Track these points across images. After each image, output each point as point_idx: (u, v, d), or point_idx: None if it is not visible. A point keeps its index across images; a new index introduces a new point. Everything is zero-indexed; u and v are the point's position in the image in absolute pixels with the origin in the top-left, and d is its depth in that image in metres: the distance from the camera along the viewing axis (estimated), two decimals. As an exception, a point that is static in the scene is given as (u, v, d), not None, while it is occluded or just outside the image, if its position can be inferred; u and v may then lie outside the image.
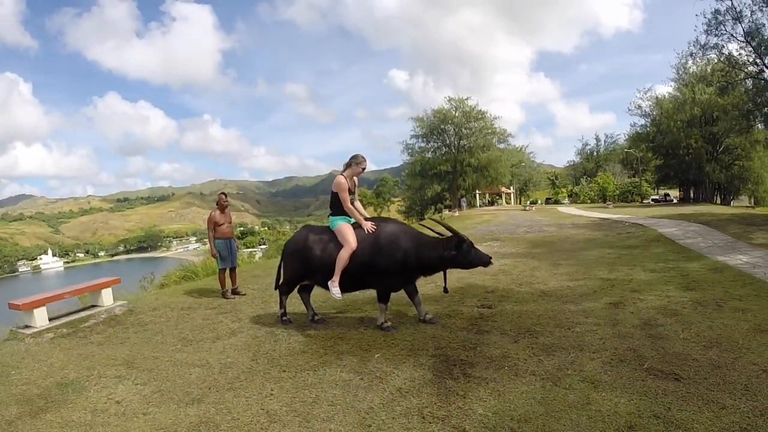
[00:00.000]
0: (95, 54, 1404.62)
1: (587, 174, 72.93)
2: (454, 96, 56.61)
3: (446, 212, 46.76)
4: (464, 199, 56.84)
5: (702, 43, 23.79)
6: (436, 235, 6.10)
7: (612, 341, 5.15)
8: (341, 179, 5.89)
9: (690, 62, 34.57)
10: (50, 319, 7.12)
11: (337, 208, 5.91)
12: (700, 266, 9.06)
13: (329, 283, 5.69)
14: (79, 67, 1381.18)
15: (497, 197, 63.35)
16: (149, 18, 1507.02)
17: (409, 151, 57.58)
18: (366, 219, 5.92)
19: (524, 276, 8.73)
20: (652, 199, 51.54)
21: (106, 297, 8.03)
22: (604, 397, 3.91)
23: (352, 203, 5.95)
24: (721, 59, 24.43)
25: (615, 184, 59.20)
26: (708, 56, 25.72)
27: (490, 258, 5.88)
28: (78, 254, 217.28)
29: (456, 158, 55.13)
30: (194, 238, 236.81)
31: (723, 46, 23.42)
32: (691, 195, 48.78)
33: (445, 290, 6.25)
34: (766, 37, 21.58)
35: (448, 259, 5.75)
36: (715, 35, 22.94)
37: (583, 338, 5.30)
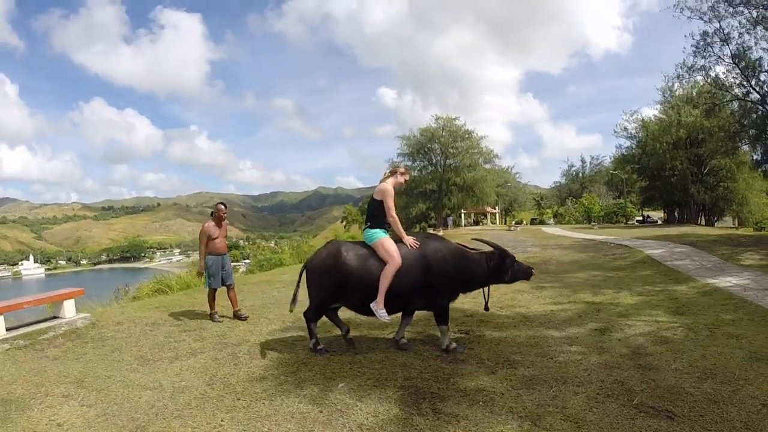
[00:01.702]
0: (82, 58, 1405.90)
1: (572, 195, 73.43)
2: (441, 115, 56.81)
3: (430, 231, 46.48)
4: (450, 218, 56.84)
5: (689, 65, 23.82)
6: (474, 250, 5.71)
7: (598, 373, 4.76)
8: (388, 186, 5.44)
9: (676, 85, 35.05)
10: (8, 329, 6.71)
11: (375, 220, 5.44)
12: (688, 289, 8.78)
13: (373, 305, 5.15)
14: (66, 70, 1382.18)
15: (482, 217, 63.44)
16: (138, 24, 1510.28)
17: (395, 169, 57.36)
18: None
19: (506, 299, 8.35)
20: (637, 221, 51.86)
21: (69, 309, 7.52)
22: None
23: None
24: (708, 81, 24.66)
25: (600, 205, 59.70)
26: (695, 78, 25.89)
27: (532, 269, 5.74)
28: (60, 261, 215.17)
29: (442, 177, 55.20)
30: (178, 250, 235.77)
31: (710, 68, 23.62)
32: (676, 216, 49.06)
33: (486, 308, 5.94)
34: (753, 60, 21.75)
35: (492, 275, 5.52)
36: (703, 57, 23.05)
37: (566, 369, 4.89)
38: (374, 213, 5.46)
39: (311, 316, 5.63)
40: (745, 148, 26.90)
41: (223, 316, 7.62)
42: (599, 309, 7.33)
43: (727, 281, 9.31)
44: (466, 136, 55.91)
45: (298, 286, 5.67)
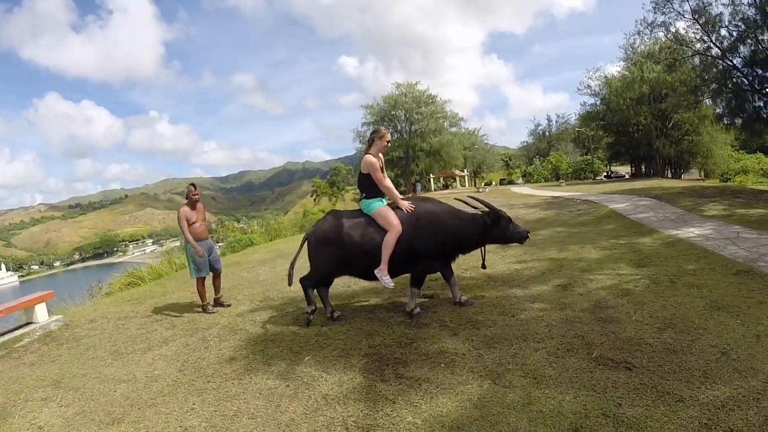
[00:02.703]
0: (30, 52, 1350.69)
1: (540, 154, 74.12)
2: (402, 82, 56.66)
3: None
4: (419, 183, 57.05)
5: (650, 21, 24.36)
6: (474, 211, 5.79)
7: (559, 328, 4.78)
8: (371, 158, 5.49)
9: (638, 41, 35.43)
10: None
11: (370, 189, 5.53)
12: (652, 241, 8.88)
13: (377, 271, 5.28)
14: (14, 67, 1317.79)
15: (451, 180, 63.65)
16: (85, 11, 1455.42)
17: (361, 138, 57.21)
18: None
19: (471, 259, 8.27)
20: (604, 176, 52.81)
21: (41, 313, 7.42)
22: (548, 394, 3.54)
23: None
24: (669, 37, 25.02)
25: (567, 162, 60.58)
26: (656, 35, 26.26)
27: (528, 232, 5.78)
28: (32, 266, 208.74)
29: (408, 144, 55.27)
30: (150, 241, 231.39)
31: (670, 24, 24.03)
32: (643, 170, 50.08)
33: (483, 266, 5.94)
34: (713, 15, 22.04)
35: (487, 235, 5.61)
36: (663, 13, 23.47)
37: (527, 326, 4.91)
38: (366, 185, 5.55)
39: (310, 283, 5.70)
40: (708, 102, 27.27)
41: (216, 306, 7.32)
42: (562, 265, 7.34)
43: (689, 232, 9.44)
44: (430, 101, 55.98)
45: (296, 258, 5.81)
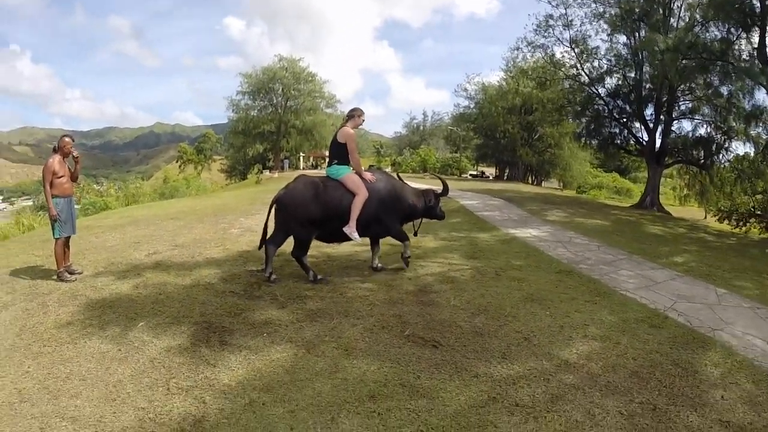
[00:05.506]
0: None
1: (411, 146, 76.18)
2: (286, 55, 55.70)
3: (266, 173, 46.20)
4: (287, 160, 56.52)
5: (530, 41, 26.41)
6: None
7: (381, 307, 5.11)
8: (351, 131, 6.26)
9: (520, 56, 37.87)
10: None
11: (342, 157, 6.20)
12: (490, 237, 9.57)
13: (347, 228, 5.94)
14: None
15: (321, 160, 63.71)
16: None
17: (234, 107, 55.57)
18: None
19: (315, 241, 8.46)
20: (470, 174, 55.75)
21: None
22: (355, 364, 3.82)
23: None
24: (545, 58, 27.28)
25: (436, 157, 63.04)
26: (534, 54, 28.31)
27: (444, 214, 7.14)
28: None
29: (281, 119, 54.50)
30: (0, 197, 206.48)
31: (548, 47, 26.23)
32: (506, 174, 53.60)
33: (416, 233, 7.03)
34: (590, 47, 24.78)
35: (426, 211, 6.74)
36: (544, 36, 25.62)
37: (352, 304, 5.22)
38: (340, 153, 6.23)
39: (300, 252, 6.14)
40: (570, 120, 29.77)
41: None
42: (400, 251, 7.63)
43: (527, 232, 10.28)
44: (310, 78, 55.61)
45: (267, 223, 6.26)
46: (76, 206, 7.36)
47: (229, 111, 56.19)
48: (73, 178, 6.74)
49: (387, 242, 7.39)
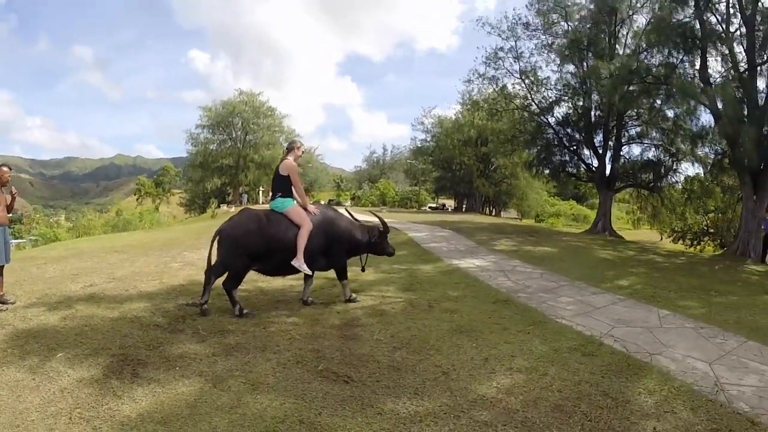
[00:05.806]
0: None
1: (371, 180, 76.72)
2: (246, 89, 56.11)
3: (224, 207, 45.87)
4: (245, 195, 56.23)
5: (481, 73, 26.96)
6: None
7: (300, 342, 5.03)
8: (293, 163, 6.37)
9: (475, 89, 38.65)
10: None
11: (286, 190, 6.27)
12: (432, 268, 9.58)
13: (295, 261, 5.98)
14: None
15: (280, 195, 63.57)
16: None
17: (194, 141, 55.45)
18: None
19: (250, 275, 8.30)
20: (429, 207, 56.33)
21: None
22: (258, 400, 3.76)
23: None
24: (496, 89, 27.98)
25: (395, 190, 63.56)
26: (486, 86, 29.02)
27: (394, 250, 7.14)
28: None
29: (240, 153, 54.61)
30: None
31: (499, 79, 26.89)
32: (464, 206, 54.27)
33: (363, 269, 6.96)
34: (540, 78, 25.65)
35: (371, 246, 6.80)
36: (494, 68, 26.28)
37: (272, 338, 5.14)
38: (283, 186, 6.30)
39: (232, 284, 6.04)
40: (523, 150, 30.33)
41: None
42: (335, 285, 7.47)
43: (471, 263, 10.33)
44: (269, 113, 56.12)
45: (209, 255, 6.15)
46: (10, 237, 7.12)
47: (189, 144, 55.99)
48: (9, 208, 6.68)
49: (321, 276, 7.33)
